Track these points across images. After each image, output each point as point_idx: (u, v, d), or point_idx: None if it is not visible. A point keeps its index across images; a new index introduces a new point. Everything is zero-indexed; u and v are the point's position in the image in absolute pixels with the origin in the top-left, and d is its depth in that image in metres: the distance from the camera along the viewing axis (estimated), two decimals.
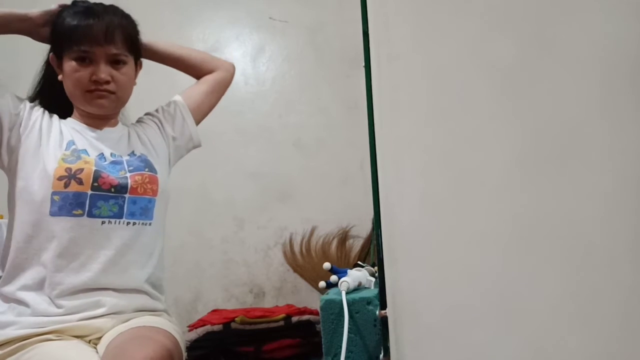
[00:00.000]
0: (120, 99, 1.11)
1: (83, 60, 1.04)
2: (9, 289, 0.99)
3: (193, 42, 2.60)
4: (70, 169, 1.00)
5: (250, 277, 2.46)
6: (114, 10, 1.09)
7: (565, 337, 0.67)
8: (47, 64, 1.14)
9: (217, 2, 2.63)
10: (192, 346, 1.94)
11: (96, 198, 1.01)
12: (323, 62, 2.57)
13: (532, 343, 0.68)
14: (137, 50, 1.14)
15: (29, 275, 0.98)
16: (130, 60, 1.11)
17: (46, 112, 1.10)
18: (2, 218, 1.87)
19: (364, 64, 0.87)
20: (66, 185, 0.99)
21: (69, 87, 1.08)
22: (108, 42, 1.04)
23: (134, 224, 1.05)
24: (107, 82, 1.06)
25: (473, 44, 0.74)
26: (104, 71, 1.05)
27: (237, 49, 2.60)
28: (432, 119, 0.76)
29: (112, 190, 1.02)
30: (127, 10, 1.13)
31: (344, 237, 2.42)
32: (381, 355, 1.02)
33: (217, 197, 2.49)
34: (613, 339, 0.66)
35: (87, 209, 1.00)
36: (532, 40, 0.71)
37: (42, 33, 1.10)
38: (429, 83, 0.77)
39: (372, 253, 2.19)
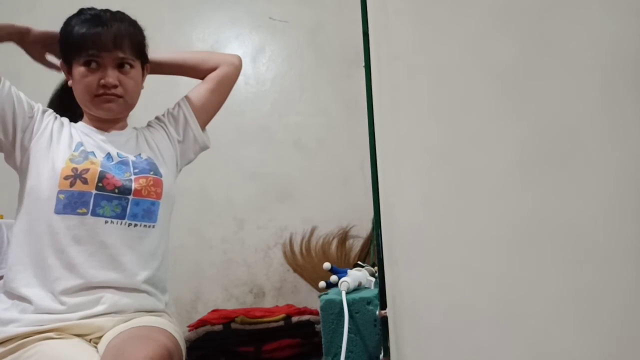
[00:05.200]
0: (127, 102, 1.13)
1: (91, 65, 1.07)
2: (13, 285, 1.00)
3: (193, 42, 2.60)
4: (76, 168, 1.03)
5: (250, 277, 2.46)
6: (121, 17, 1.12)
7: (566, 338, 0.67)
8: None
9: (217, 2, 2.63)
10: (192, 346, 1.94)
11: (100, 198, 1.03)
12: (323, 62, 2.57)
13: (532, 343, 0.68)
14: (144, 56, 1.17)
15: (33, 272, 0.99)
16: (137, 65, 1.13)
17: (58, 116, 1.13)
18: (2, 218, 1.87)
19: (364, 64, 0.87)
20: (72, 185, 1.01)
21: (78, 92, 1.11)
22: (116, 48, 1.07)
23: (136, 225, 1.06)
24: (115, 86, 1.08)
25: (473, 43, 0.74)
26: (112, 75, 1.08)
27: (237, 49, 2.59)
28: (432, 119, 0.76)
29: (116, 191, 1.04)
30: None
31: (344, 237, 2.42)
32: (381, 355, 1.02)
33: (217, 197, 2.49)
34: (614, 340, 0.66)
35: (91, 208, 1.02)
36: (532, 39, 0.71)
37: (35, 52, 1.14)
38: (429, 83, 0.77)
39: (372, 253, 2.19)
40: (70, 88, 1.13)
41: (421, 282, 0.75)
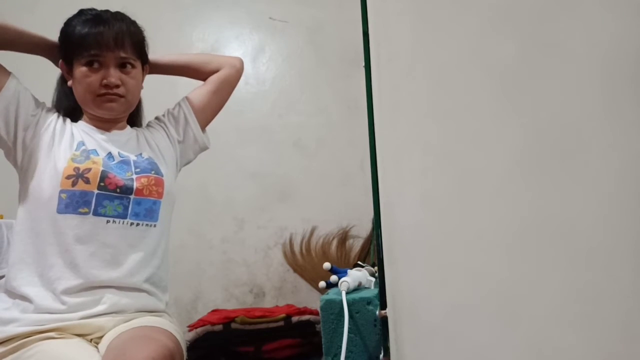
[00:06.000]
0: (129, 102, 1.14)
1: (93, 65, 1.08)
2: (14, 284, 1.00)
3: (193, 42, 2.60)
4: (78, 168, 1.03)
5: (250, 277, 2.46)
6: (121, 17, 1.12)
7: (566, 338, 0.67)
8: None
9: (217, 2, 2.63)
10: (192, 346, 1.94)
11: (102, 197, 1.03)
12: (323, 62, 2.57)
13: (532, 344, 0.68)
14: (144, 55, 1.18)
15: (34, 271, 1.00)
16: (138, 65, 1.14)
17: (60, 115, 1.13)
18: (2, 218, 1.87)
19: (364, 64, 0.87)
20: (74, 184, 1.02)
21: (79, 92, 1.11)
22: (118, 47, 1.08)
23: (138, 224, 1.07)
24: (117, 86, 1.09)
25: (473, 43, 0.74)
26: (114, 75, 1.08)
27: (237, 49, 2.60)
28: (432, 119, 0.76)
29: (118, 190, 1.05)
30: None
31: (344, 237, 2.42)
32: (381, 355, 1.02)
33: (217, 197, 2.49)
34: (614, 341, 0.66)
35: (92, 207, 1.02)
36: (532, 39, 0.71)
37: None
38: (429, 83, 0.77)
39: (372, 253, 2.19)
40: (69, 88, 1.13)
41: (421, 282, 0.75)
